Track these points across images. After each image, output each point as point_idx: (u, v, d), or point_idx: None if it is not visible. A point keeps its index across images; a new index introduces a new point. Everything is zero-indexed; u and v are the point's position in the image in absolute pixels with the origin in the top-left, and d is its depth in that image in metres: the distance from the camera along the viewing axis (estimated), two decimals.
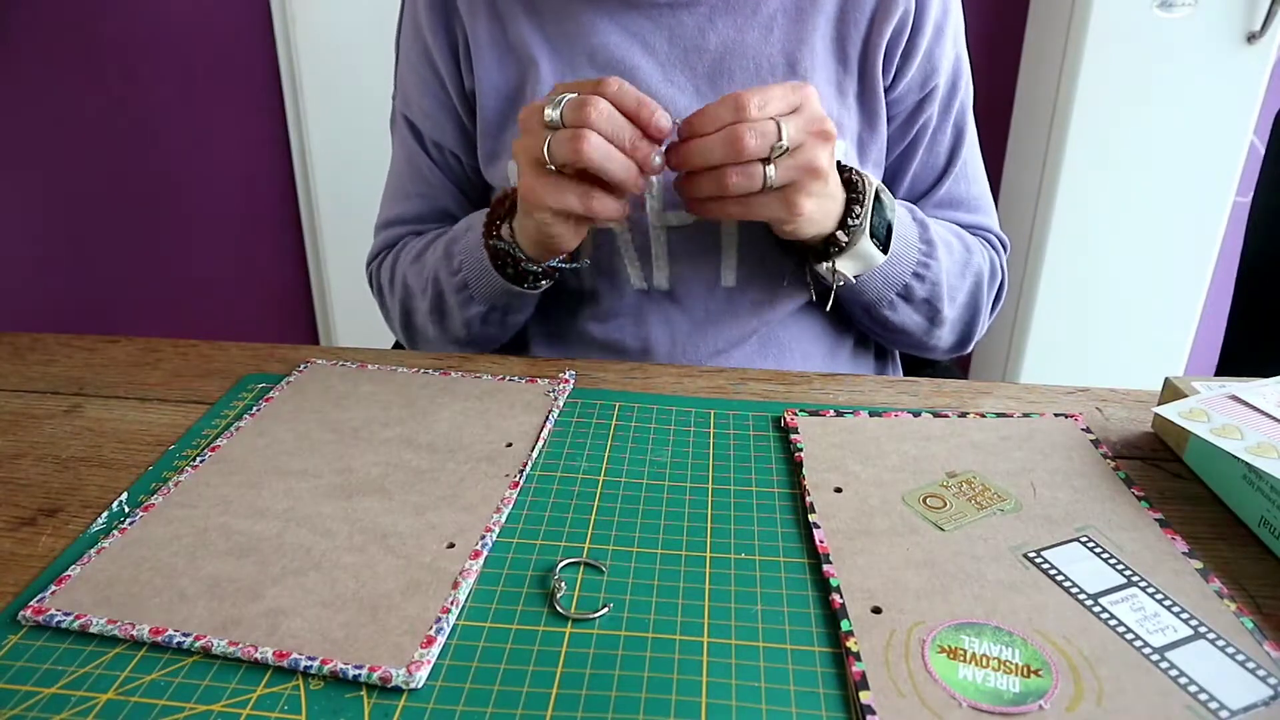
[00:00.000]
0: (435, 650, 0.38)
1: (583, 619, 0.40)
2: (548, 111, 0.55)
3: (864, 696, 0.36)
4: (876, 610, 0.41)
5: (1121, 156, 1.52)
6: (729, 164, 0.55)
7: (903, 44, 0.69)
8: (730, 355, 0.72)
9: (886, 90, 0.71)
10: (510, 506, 0.48)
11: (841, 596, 0.41)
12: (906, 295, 0.70)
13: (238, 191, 1.93)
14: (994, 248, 0.78)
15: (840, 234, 0.63)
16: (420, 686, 0.37)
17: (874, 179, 0.65)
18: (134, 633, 0.39)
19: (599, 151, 0.53)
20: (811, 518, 0.47)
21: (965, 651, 0.38)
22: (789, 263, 0.70)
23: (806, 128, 0.57)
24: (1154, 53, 1.45)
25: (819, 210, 0.60)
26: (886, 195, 0.66)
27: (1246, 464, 0.46)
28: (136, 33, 1.80)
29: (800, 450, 0.53)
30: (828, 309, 0.72)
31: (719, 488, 0.50)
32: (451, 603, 0.41)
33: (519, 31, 0.70)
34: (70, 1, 1.78)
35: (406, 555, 0.44)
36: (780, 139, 0.55)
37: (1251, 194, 0.98)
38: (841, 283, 0.66)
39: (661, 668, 0.38)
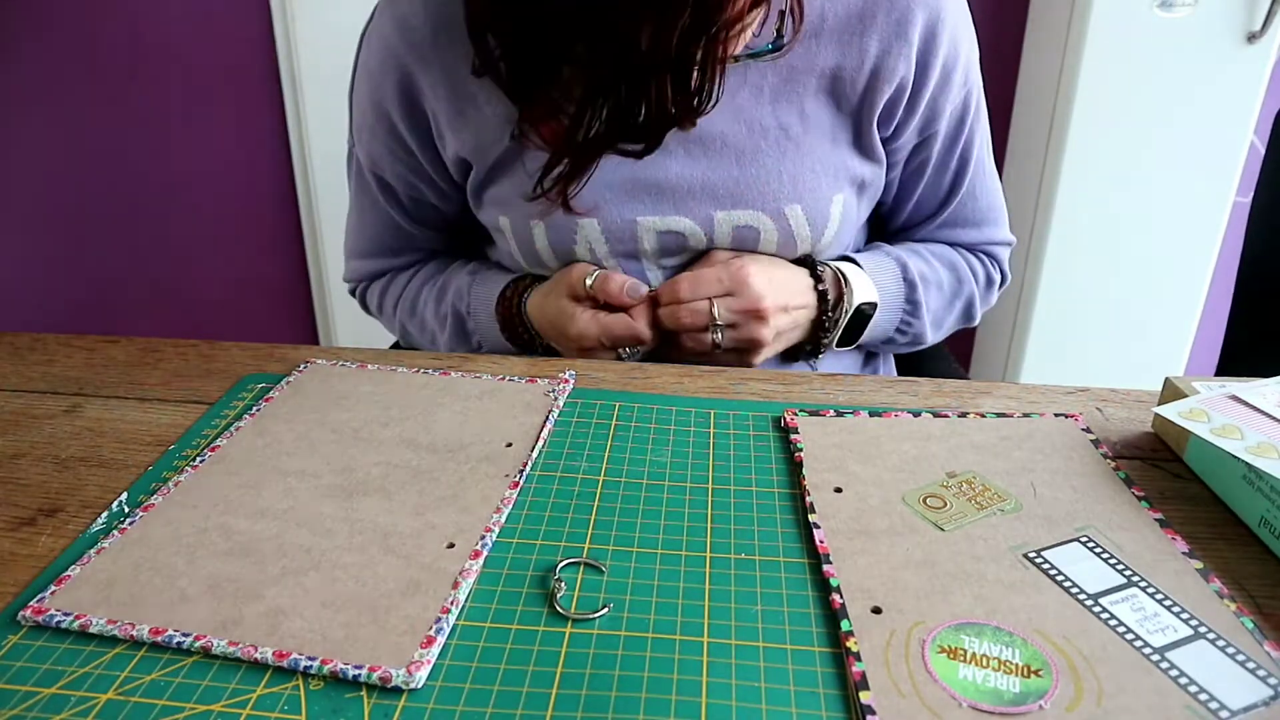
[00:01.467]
0: (435, 650, 0.38)
1: (583, 619, 0.40)
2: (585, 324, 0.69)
3: (864, 696, 0.36)
4: (876, 610, 0.41)
5: (1121, 156, 1.52)
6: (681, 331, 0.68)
7: (903, 103, 0.69)
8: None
9: (886, 139, 0.71)
10: (510, 506, 0.48)
11: (841, 596, 0.41)
12: (888, 343, 0.78)
13: (238, 192, 1.93)
14: (995, 258, 0.81)
15: (808, 348, 0.74)
16: (420, 686, 0.37)
17: (857, 283, 0.72)
18: (134, 633, 0.39)
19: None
20: (811, 518, 0.47)
21: (965, 651, 0.38)
22: None
23: (737, 307, 0.67)
24: (1154, 53, 1.45)
25: (775, 352, 0.71)
26: (869, 285, 0.73)
27: (1246, 464, 0.46)
28: (137, 33, 1.80)
29: (800, 450, 0.53)
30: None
31: (719, 488, 0.50)
32: (451, 603, 0.41)
33: (494, 101, 0.68)
34: (70, 2, 1.78)
35: (406, 555, 0.44)
36: (715, 319, 0.66)
37: (1251, 194, 0.98)
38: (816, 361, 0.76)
39: (661, 668, 0.38)
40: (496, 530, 0.46)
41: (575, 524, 0.47)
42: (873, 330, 0.75)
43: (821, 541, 0.45)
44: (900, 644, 0.39)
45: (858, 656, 0.38)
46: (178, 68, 1.83)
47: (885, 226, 0.83)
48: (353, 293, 0.89)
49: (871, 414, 0.57)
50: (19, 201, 1.98)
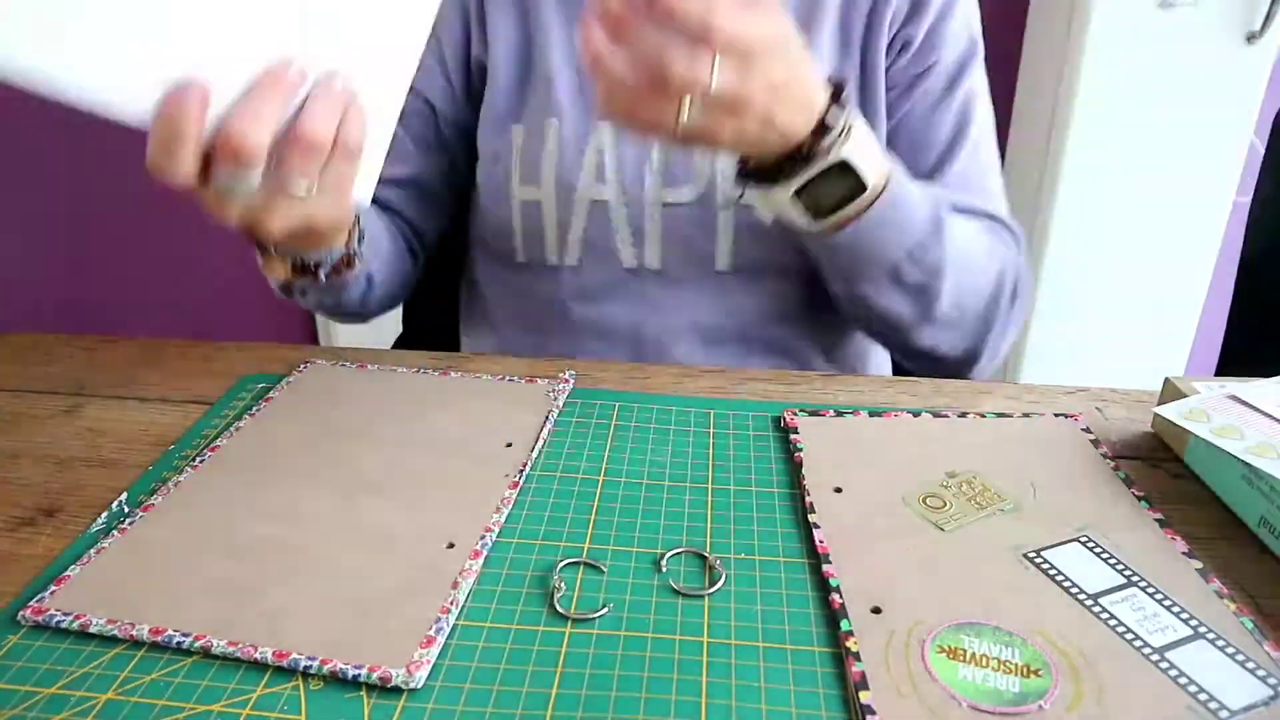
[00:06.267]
0: (435, 650, 0.38)
1: (583, 619, 0.40)
2: None
3: (864, 696, 0.36)
4: (876, 610, 0.40)
5: (1121, 156, 1.52)
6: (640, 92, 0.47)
7: (901, 21, 0.69)
8: (721, 348, 0.71)
9: (894, 62, 0.70)
10: (510, 506, 0.48)
11: (841, 596, 0.41)
12: (896, 278, 0.61)
13: None
14: (1010, 245, 0.71)
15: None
16: (420, 686, 0.37)
17: (860, 138, 0.55)
18: (134, 633, 0.39)
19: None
20: (811, 518, 0.47)
21: (965, 651, 0.38)
22: (788, 241, 0.67)
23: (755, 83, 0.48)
24: (1154, 52, 1.45)
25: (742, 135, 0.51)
26: (878, 157, 0.57)
27: (1246, 464, 0.46)
28: None
29: (800, 450, 0.53)
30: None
31: (719, 488, 0.50)
32: (451, 603, 0.41)
33: None
34: None
35: (406, 555, 0.44)
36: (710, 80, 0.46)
37: (1251, 194, 0.98)
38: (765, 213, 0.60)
39: (661, 668, 0.38)
40: (496, 530, 0.46)
41: (575, 524, 0.47)
42: (877, 226, 0.58)
43: (821, 541, 0.45)
44: (900, 644, 0.39)
45: (858, 656, 0.38)
46: None
47: None
48: None
49: (871, 414, 0.57)
50: (19, 201, 1.98)
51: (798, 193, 0.55)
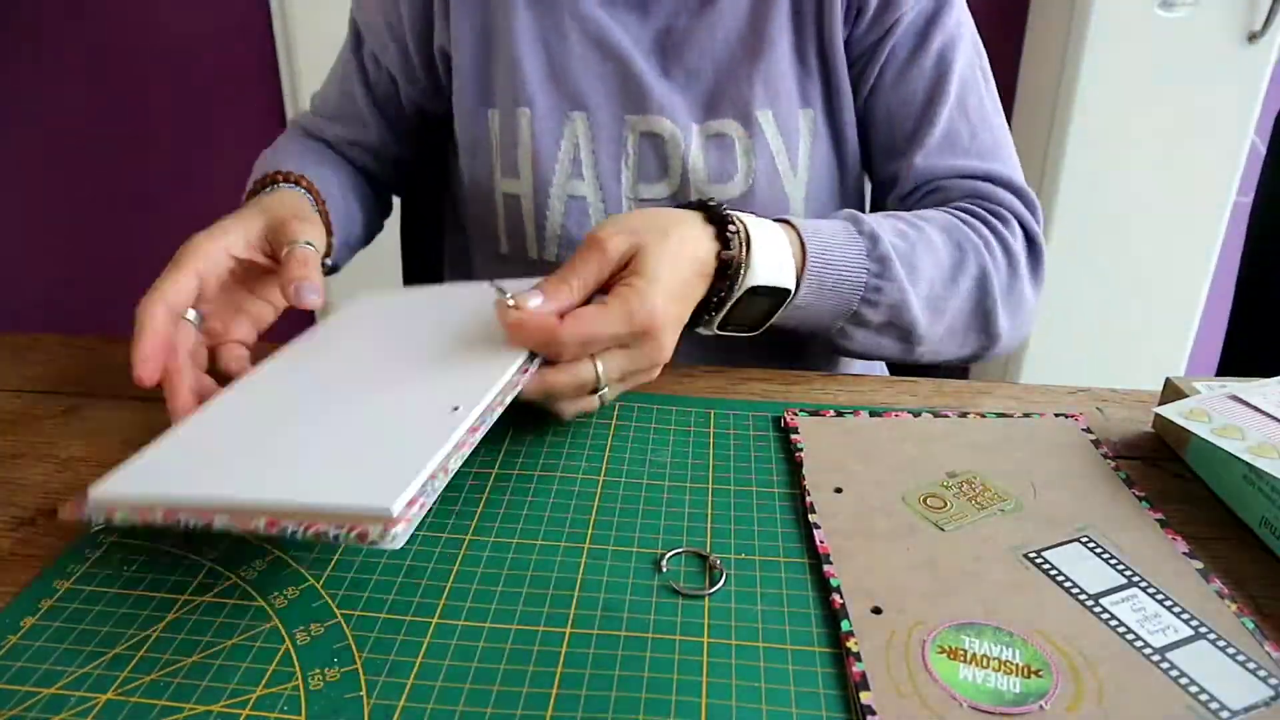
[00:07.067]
0: (416, 511, 0.37)
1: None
2: None
3: (864, 697, 0.36)
4: (876, 610, 0.40)
5: (1122, 156, 1.52)
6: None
7: None
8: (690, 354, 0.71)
9: (852, 31, 0.69)
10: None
11: (841, 596, 0.41)
12: (859, 322, 0.61)
13: (238, 192, 1.93)
14: (1015, 213, 0.67)
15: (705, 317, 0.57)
16: (398, 546, 0.36)
17: (761, 250, 0.55)
18: (150, 517, 0.40)
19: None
20: (811, 518, 0.47)
21: (965, 652, 0.38)
22: None
23: (632, 366, 0.51)
24: (1154, 52, 1.45)
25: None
26: (784, 255, 0.56)
27: (1247, 464, 0.46)
28: (137, 33, 1.80)
29: (800, 450, 0.53)
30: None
31: (719, 488, 0.50)
32: (443, 470, 0.40)
33: None
34: (71, 3, 1.78)
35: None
36: (600, 379, 0.50)
37: (1252, 194, 0.98)
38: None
39: (661, 668, 0.38)
40: (499, 410, 0.45)
41: (575, 524, 0.47)
42: (818, 296, 0.58)
43: (821, 541, 0.45)
44: (900, 644, 0.39)
45: (858, 656, 0.38)
46: (178, 68, 1.83)
47: (871, 160, 0.74)
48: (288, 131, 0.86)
49: (871, 414, 0.57)
50: (19, 201, 1.98)
51: (722, 325, 0.58)
